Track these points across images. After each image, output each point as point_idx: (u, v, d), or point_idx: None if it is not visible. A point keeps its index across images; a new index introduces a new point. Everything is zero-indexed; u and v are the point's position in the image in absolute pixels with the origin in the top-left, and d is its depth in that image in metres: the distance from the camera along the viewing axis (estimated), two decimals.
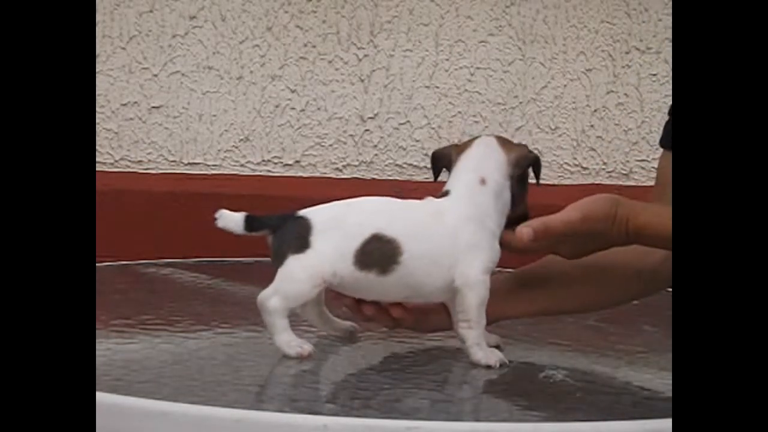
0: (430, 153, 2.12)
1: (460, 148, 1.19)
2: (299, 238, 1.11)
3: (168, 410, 0.91)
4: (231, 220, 1.15)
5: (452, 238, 1.12)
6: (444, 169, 1.19)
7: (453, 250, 1.11)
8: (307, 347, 1.12)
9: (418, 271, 1.11)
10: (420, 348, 1.22)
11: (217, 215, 1.15)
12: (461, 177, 1.16)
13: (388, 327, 1.21)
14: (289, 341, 1.11)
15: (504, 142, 1.18)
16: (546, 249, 1.20)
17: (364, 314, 1.18)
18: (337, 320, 1.21)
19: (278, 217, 1.14)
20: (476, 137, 1.20)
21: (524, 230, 1.14)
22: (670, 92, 2.07)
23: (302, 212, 1.13)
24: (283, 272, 1.12)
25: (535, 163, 1.18)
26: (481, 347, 1.12)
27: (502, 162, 1.16)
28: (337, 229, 1.11)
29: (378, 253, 1.11)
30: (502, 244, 1.15)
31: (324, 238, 1.11)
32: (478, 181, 1.14)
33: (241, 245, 1.92)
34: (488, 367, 1.11)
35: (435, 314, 1.19)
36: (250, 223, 1.14)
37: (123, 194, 2.00)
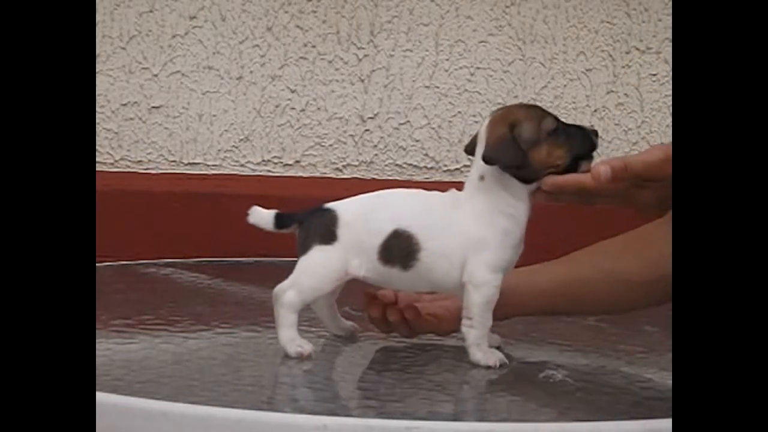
0: (430, 153, 2.13)
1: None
2: (326, 230, 1.12)
3: (168, 410, 0.91)
4: (261, 217, 1.15)
5: (462, 235, 1.12)
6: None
7: (463, 248, 1.11)
8: (307, 347, 1.12)
9: (435, 267, 1.12)
10: (420, 348, 1.22)
11: (249, 211, 1.15)
12: (471, 170, 1.14)
13: (407, 336, 1.21)
14: (291, 339, 1.12)
15: (495, 123, 1.13)
16: (623, 199, 1.10)
17: (387, 326, 1.18)
18: (342, 319, 1.22)
19: (306, 211, 1.14)
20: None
21: (601, 168, 1.05)
22: (670, 92, 2.07)
23: (330, 205, 1.14)
24: (304, 262, 1.12)
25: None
26: (480, 348, 1.12)
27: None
28: (363, 224, 1.12)
29: (398, 249, 1.11)
30: (575, 187, 1.09)
31: (350, 232, 1.12)
32: (478, 178, 1.13)
33: (241, 245, 1.92)
34: (488, 367, 1.11)
35: (449, 323, 1.19)
36: (279, 221, 1.14)
37: (123, 194, 2.00)
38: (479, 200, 1.13)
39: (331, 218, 1.12)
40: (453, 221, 1.12)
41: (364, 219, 1.12)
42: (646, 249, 1.21)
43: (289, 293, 1.11)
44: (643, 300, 1.25)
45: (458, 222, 1.12)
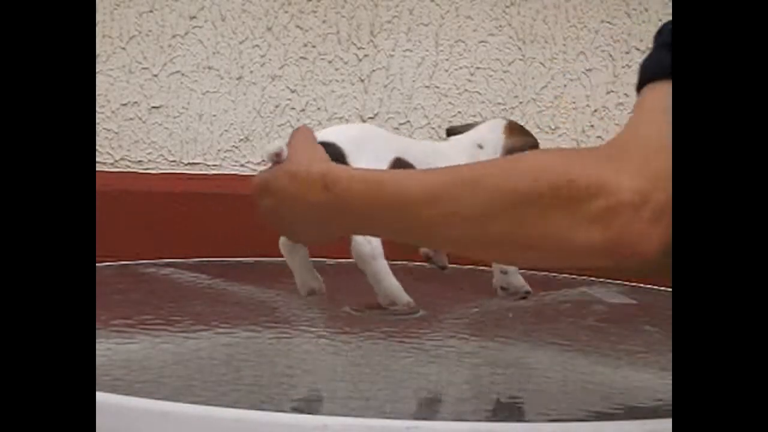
0: None
1: (473, 125, 1.22)
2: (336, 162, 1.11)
3: (168, 410, 0.91)
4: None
5: None
6: None
7: None
8: (317, 285, 1.13)
9: None
10: (420, 348, 1.22)
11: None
12: (461, 139, 1.18)
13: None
14: (303, 282, 1.13)
15: (512, 128, 1.20)
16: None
17: None
18: (314, 272, 1.22)
19: None
20: (493, 119, 1.23)
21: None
22: None
23: (324, 138, 1.12)
24: None
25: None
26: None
27: (499, 143, 1.19)
28: (366, 152, 1.12)
29: None
30: None
31: (359, 161, 1.12)
32: (476, 144, 1.16)
33: (241, 245, 1.92)
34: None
35: None
36: None
37: (123, 194, 2.00)
38: (464, 156, 1.15)
39: (338, 152, 1.12)
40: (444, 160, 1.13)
41: (364, 146, 1.12)
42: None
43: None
44: None
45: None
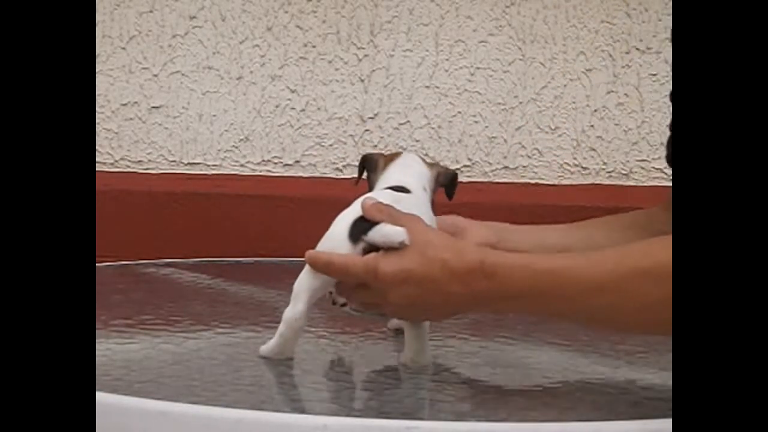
0: (430, 153, 2.13)
1: (388, 158, 1.19)
2: None
3: (168, 410, 0.91)
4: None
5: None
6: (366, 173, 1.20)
7: None
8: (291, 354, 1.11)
9: None
10: None
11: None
12: (414, 188, 1.14)
13: None
14: (284, 350, 1.10)
15: (423, 159, 1.21)
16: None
17: None
18: None
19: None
20: (400, 152, 1.22)
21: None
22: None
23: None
24: None
25: (454, 179, 1.19)
26: None
27: (427, 176, 1.17)
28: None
29: None
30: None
31: None
32: (423, 188, 1.15)
33: (241, 245, 1.92)
34: None
35: None
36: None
37: (123, 194, 2.00)
38: (423, 205, 1.13)
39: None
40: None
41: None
42: (649, 224, 1.25)
43: None
44: None
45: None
